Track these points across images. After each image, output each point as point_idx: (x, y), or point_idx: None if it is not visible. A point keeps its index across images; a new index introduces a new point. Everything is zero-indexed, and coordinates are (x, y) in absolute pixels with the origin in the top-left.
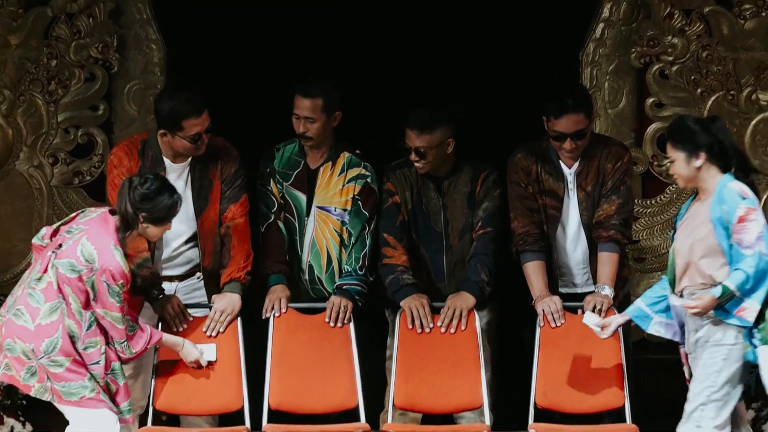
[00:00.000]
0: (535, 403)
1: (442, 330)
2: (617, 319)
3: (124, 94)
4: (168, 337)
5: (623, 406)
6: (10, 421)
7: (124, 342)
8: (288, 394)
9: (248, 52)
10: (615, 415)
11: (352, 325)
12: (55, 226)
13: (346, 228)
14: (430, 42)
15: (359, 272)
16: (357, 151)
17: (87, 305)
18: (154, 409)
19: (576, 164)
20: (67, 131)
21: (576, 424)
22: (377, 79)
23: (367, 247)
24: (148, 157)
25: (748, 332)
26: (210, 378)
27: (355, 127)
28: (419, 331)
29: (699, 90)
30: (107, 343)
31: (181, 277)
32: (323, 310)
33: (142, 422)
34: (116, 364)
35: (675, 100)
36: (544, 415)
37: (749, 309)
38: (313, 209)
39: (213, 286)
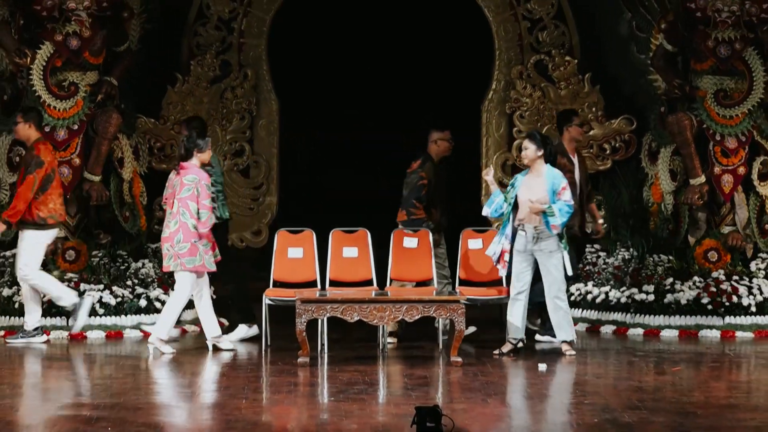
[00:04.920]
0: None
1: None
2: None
3: (259, 126)
4: None
5: (501, 278)
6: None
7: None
8: (339, 271)
9: (316, 101)
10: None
11: (369, 238)
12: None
13: None
14: (410, 82)
15: None
16: None
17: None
18: (274, 281)
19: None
20: (231, 143)
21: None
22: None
23: None
24: None
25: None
26: (296, 263)
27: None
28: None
29: (539, 124)
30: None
31: None
32: (357, 231)
33: None
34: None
35: (527, 128)
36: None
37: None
38: None
39: None
